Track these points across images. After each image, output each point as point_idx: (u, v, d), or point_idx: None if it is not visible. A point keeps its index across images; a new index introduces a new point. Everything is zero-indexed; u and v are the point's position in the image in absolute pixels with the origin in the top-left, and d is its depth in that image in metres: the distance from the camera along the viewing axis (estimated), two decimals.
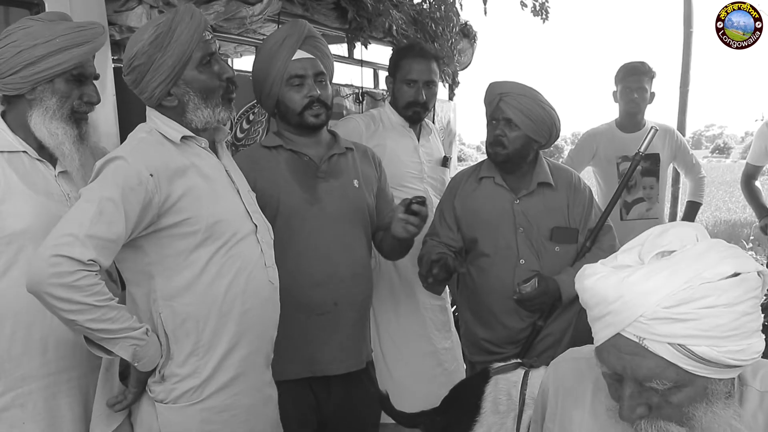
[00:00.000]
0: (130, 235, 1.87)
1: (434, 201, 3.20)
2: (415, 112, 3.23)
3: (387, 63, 4.56)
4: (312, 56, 2.57)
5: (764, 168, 4.65)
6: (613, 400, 1.30)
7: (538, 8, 5.28)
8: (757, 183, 4.68)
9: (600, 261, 1.26)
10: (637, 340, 1.16)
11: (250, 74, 2.72)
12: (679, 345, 1.13)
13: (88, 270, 1.75)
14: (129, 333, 1.84)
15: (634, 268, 1.19)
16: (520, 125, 2.72)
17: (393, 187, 2.98)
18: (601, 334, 1.21)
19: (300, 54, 2.54)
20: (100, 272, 1.81)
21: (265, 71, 2.56)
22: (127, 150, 1.95)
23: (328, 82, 2.64)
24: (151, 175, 1.89)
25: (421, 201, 2.40)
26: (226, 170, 2.15)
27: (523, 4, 5.24)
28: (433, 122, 3.96)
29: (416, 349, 3.25)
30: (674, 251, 1.19)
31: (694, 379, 1.17)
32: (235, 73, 2.15)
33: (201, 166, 2.05)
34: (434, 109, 4.13)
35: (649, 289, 1.14)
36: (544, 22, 5.35)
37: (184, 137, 2.05)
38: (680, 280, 1.13)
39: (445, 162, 3.44)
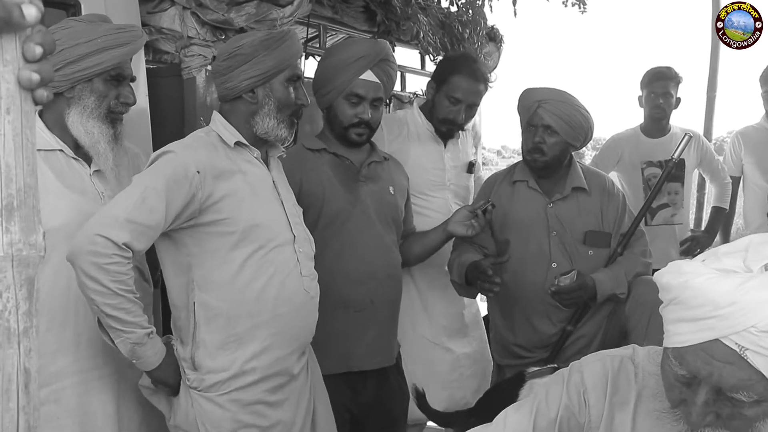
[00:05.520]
0: (170, 225, 1.99)
1: (453, 208, 3.14)
2: (450, 129, 3.16)
3: (414, 66, 4.59)
4: (378, 81, 2.62)
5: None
6: (668, 403, 1.28)
7: (574, 0, 5.21)
8: None
9: (701, 259, 1.22)
10: (737, 350, 1.12)
11: None
12: None
13: (121, 256, 1.88)
14: (135, 330, 1.94)
15: (743, 275, 1.15)
16: (559, 131, 2.72)
17: (412, 194, 3.00)
18: (693, 335, 1.17)
19: (368, 75, 2.60)
20: (133, 258, 1.94)
21: (329, 77, 2.62)
22: (180, 145, 2.09)
23: (383, 106, 2.72)
24: (198, 172, 2.01)
25: (494, 205, 2.68)
26: (273, 181, 2.24)
27: None
28: None
29: (429, 355, 3.23)
30: None
31: None
32: None
33: (248, 173, 2.16)
34: None
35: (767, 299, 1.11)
36: (583, 12, 5.27)
37: (237, 143, 2.16)
38: None
39: (470, 168, 3.37)
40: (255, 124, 2.18)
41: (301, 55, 2.26)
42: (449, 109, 3.08)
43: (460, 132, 3.30)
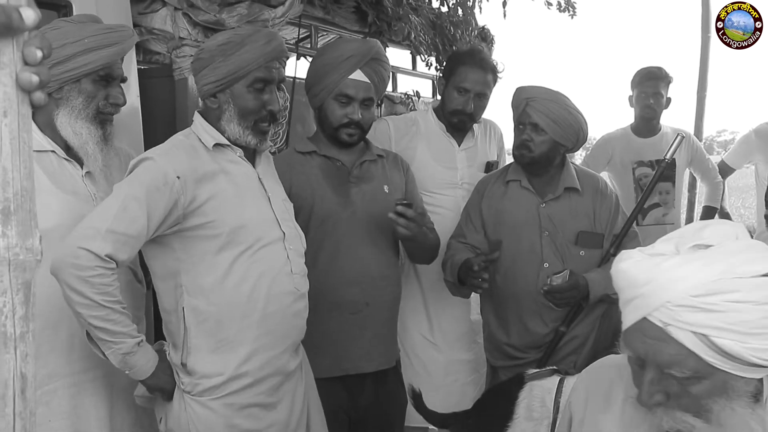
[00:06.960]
0: (154, 232, 1.96)
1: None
2: (461, 120, 3.16)
3: (405, 67, 4.59)
4: (368, 80, 2.59)
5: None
6: (635, 388, 1.30)
7: (564, 5, 5.29)
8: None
9: (638, 248, 1.27)
10: (661, 326, 1.17)
11: None
12: (702, 335, 1.14)
13: (105, 267, 1.86)
14: (125, 339, 1.93)
15: (668, 256, 1.20)
16: (547, 130, 2.71)
17: (421, 192, 2.99)
18: (628, 317, 1.23)
19: (357, 75, 2.57)
20: (118, 268, 1.91)
21: (319, 77, 2.60)
22: (158, 151, 2.04)
23: (374, 106, 2.69)
24: (178, 177, 1.97)
25: (406, 204, 2.46)
26: (259, 178, 2.21)
27: (548, 3, 5.24)
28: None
29: (425, 355, 3.22)
30: (711, 246, 1.19)
31: (714, 372, 1.17)
32: None
33: (232, 173, 2.12)
34: None
35: (680, 276, 1.15)
36: (572, 17, 5.37)
37: (216, 144, 2.12)
38: (712, 272, 1.13)
39: (488, 168, 3.32)
40: (223, 129, 2.13)
41: (277, 58, 2.16)
42: (458, 100, 3.11)
43: (476, 128, 3.31)
